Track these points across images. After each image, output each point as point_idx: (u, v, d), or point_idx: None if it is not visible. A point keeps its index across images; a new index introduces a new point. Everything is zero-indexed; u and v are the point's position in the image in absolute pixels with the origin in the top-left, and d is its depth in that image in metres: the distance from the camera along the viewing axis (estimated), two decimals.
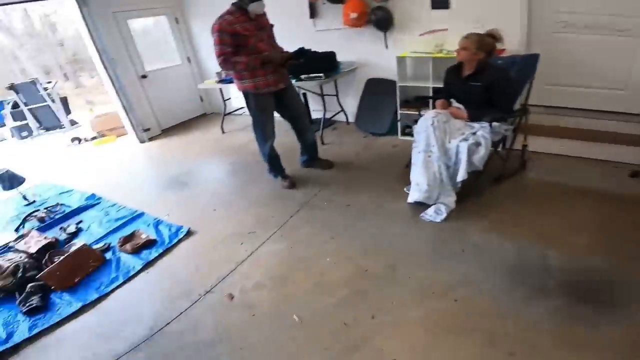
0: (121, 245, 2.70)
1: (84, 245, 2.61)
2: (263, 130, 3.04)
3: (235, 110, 5.15)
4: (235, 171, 3.76)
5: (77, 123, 7.44)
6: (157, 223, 2.95)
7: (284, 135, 3.45)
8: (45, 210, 3.39)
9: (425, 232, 2.41)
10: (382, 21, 3.58)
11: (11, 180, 3.54)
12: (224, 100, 4.92)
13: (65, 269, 2.43)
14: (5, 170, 3.54)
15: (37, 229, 3.10)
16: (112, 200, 3.47)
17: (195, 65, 5.73)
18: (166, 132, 5.43)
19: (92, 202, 3.48)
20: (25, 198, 3.71)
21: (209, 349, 1.82)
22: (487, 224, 2.38)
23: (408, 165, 2.84)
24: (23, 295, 2.31)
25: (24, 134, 7.62)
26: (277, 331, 1.86)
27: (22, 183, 3.66)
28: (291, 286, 2.14)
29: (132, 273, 2.46)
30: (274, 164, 3.22)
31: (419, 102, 3.20)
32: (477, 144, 2.41)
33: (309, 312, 1.93)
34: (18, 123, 7.73)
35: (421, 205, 2.59)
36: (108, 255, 2.67)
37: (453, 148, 2.44)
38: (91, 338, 2.02)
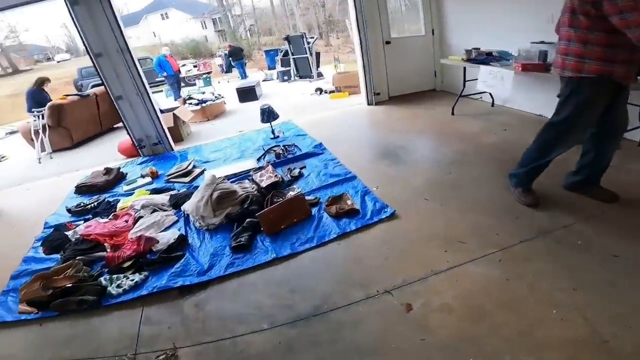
0: (327, 205, 2.66)
1: (300, 194, 2.71)
2: (570, 132, 2.14)
3: (474, 94, 4.37)
4: (461, 162, 3.13)
5: (322, 76, 8.39)
6: (364, 192, 2.79)
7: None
8: (283, 148, 3.84)
9: None
10: None
11: (269, 115, 4.17)
12: (465, 81, 4.20)
13: (277, 214, 2.47)
14: (267, 106, 4.18)
15: (272, 163, 3.54)
16: (333, 153, 3.58)
17: (438, 39, 5.14)
18: (393, 99, 5.25)
19: (317, 151, 3.70)
20: (273, 132, 4.34)
21: (357, 356, 1.53)
22: None
23: None
24: (238, 229, 2.42)
25: (285, 77, 9.24)
26: None
27: (276, 119, 4.26)
28: (486, 325, 1.57)
29: (326, 239, 2.31)
30: (533, 173, 2.38)
31: None
32: None
33: None
34: (283, 68, 9.44)
35: None
36: (314, 210, 2.65)
37: None
38: (263, 295, 1.94)
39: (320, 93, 6.67)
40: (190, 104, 6.20)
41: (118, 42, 3.89)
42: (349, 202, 2.67)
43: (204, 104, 6.15)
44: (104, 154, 5.19)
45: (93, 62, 3.94)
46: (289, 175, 3.22)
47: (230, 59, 11.98)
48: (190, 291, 2.05)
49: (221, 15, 23.12)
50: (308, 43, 8.19)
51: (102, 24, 3.80)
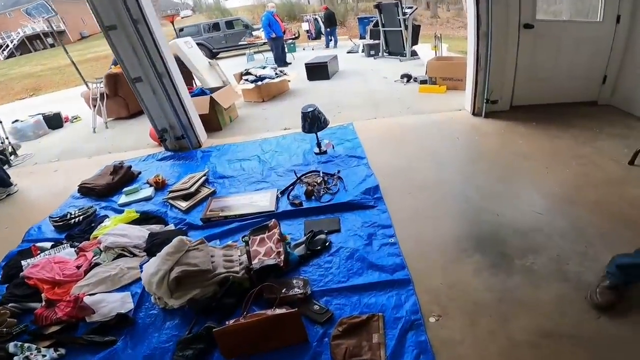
0: (337, 335, 1.39)
1: (296, 311, 1.40)
2: None
3: None
4: None
5: (416, 56, 6.40)
6: (409, 323, 1.38)
7: None
8: (322, 180, 2.45)
9: None
10: None
11: (312, 123, 2.77)
12: None
13: (247, 337, 1.38)
14: (312, 109, 2.76)
15: (297, 203, 2.22)
16: (391, 213, 2.06)
17: (626, 31, 2.87)
18: (518, 111, 3.26)
19: (368, 200, 2.19)
20: (319, 145, 2.94)
21: None
22: None
23: None
24: (189, 335, 1.49)
25: (372, 52, 7.45)
26: None
27: (322, 128, 2.84)
28: None
29: None
30: None
31: None
32: None
33: None
34: (371, 41, 7.61)
35: None
36: (315, 332, 1.44)
37: None
38: None
39: (408, 81, 4.87)
40: (247, 80, 5.07)
41: (130, 12, 2.82)
42: (375, 338, 1.36)
43: (260, 82, 4.96)
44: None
45: (106, 37, 2.97)
46: (305, 246, 1.86)
47: (322, 24, 10.47)
48: None
49: None
50: (404, 14, 6.17)
51: None
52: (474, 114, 3.32)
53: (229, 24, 12.23)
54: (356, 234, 1.95)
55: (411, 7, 6.64)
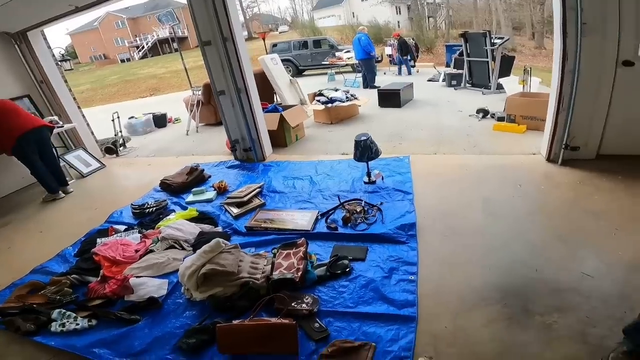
0: (326, 354, 1.48)
1: (293, 324, 1.52)
2: None
3: None
4: None
5: (502, 89, 6.01)
6: (397, 358, 1.37)
7: None
8: (362, 209, 2.52)
9: None
10: None
11: (364, 151, 2.86)
12: None
13: (244, 336, 1.54)
14: (365, 138, 2.86)
15: (333, 227, 2.33)
16: (420, 252, 2.04)
17: None
18: (603, 161, 2.87)
19: (400, 236, 2.20)
20: (369, 175, 3.02)
21: None
22: None
23: None
24: (196, 325, 1.73)
25: (453, 82, 7.25)
26: None
27: (373, 158, 2.91)
28: None
29: None
30: None
31: None
32: None
33: None
34: (454, 71, 7.40)
35: None
36: (308, 346, 1.55)
37: None
38: None
39: (484, 116, 4.63)
40: (318, 101, 5.39)
41: (222, 30, 3.31)
42: None
43: (330, 105, 5.23)
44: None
45: (202, 51, 3.54)
46: (327, 268, 1.97)
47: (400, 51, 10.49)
48: None
49: (411, 1, 21.12)
50: (492, 44, 5.85)
51: (210, 7, 3.25)
52: (548, 159, 3.03)
53: (316, 43, 13.11)
54: (379, 265, 2.00)
55: (502, 37, 6.27)
